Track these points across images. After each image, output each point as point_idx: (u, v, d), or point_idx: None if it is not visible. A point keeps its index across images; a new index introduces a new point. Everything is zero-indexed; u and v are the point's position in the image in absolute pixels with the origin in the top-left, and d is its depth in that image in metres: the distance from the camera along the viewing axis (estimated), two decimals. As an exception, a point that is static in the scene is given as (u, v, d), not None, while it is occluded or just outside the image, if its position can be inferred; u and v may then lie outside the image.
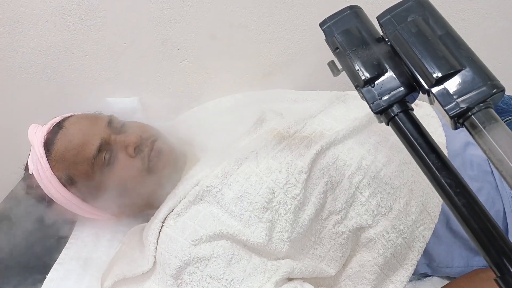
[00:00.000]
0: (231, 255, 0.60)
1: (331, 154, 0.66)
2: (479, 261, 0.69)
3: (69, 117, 0.71)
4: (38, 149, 0.66)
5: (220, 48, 0.94)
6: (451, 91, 0.42)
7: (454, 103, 0.41)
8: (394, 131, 0.46)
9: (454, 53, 0.43)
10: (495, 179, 0.70)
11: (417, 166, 0.64)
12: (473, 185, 0.66)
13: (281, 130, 0.69)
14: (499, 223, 0.68)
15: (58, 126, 0.68)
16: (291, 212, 0.62)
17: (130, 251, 0.66)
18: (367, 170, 0.64)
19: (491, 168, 0.71)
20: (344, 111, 0.74)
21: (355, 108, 0.76)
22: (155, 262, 0.62)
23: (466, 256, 0.69)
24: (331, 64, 0.53)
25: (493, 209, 0.68)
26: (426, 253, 0.67)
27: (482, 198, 0.71)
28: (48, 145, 0.66)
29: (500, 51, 0.97)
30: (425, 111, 0.78)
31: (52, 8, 0.89)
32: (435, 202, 0.66)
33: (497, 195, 0.69)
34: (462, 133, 0.75)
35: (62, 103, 0.98)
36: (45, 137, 0.67)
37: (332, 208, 0.64)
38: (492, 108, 0.40)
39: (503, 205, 0.68)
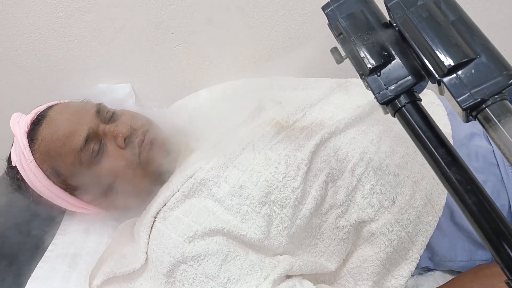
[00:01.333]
0: (227, 252, 0.57)
1: (332, 145, 0.63)
2: (482, 254, 0.68)
3: (54, 105, 0.67)
4: (21, 140, 0.62)
5: (216, 33, 0.90)
6: (464, 81, 0.39)
7: (467, 94, 0.38)
8: (401, 123, 0.43)
9: (468, 40, 0.39)
10: (500, 171, 0.67)
11: (422, 158, 0.61)
12: (478, 177, 0.64)
13: (280, 120, 0.66)
14: (504, 216, 0.66)
15: (43, 115, 0.65)
16: (290, 206, 0.60)
17: (120, 248, 0.64)
18: (369, 162, 0.62)
19: (496, 160, 0.68)
20: (345, 99, 0.71)
21: (357, 95, 0.72)
22: (146, 259, 0.60)
23: (469, 250, 0.67)
24: (334, 51, 0.50)
25: (498, 203, 0.66)
26: (429, 247, 0.65)
27: (487, 190, 0.69)
28: (32, 135, 0.63)
29: (505, 38, 0.94)
30: (429, 99, 0.75)
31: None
32: (440, 194, 0.64)
33: (503, 188, 0.66)
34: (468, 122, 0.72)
35: (49, 90, 0.95)
36: (29, 127, 0.64)
37: (333, 201, 0.62)
38: (507, 100, 0.37)
39: (508, 198, 0.66)
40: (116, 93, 0.93)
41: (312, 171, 0.61)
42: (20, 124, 0.64)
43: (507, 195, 0.66)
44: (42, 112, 0.65)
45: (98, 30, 0.90)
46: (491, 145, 0.69)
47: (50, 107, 0.66)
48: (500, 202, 0.66)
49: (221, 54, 0.93)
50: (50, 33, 0.90)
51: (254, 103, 0.71)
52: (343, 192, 0.61)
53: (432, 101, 0.74)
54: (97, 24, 0.89)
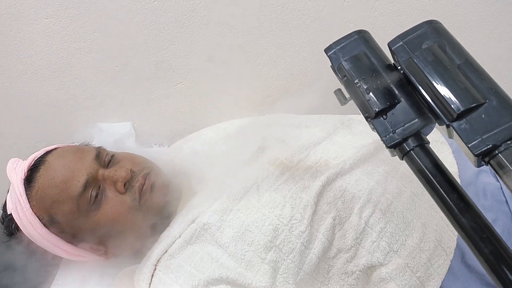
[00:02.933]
0: (231, 301, 0.55)
1: (338, 186, 0.61)
2: (497, 297, 0.65)
3: (52, 150, 0.66)
4: (17, 187, 0.61)
5: (218, 71, 0.91)
6: (474, 127, 0.38)
7: (478, 140, 0.37)
8: (410, 166, 0.42)
9: (476, 84, 0.39)
10: (510, 208, 0.66)
11: (430, 198, 0.59)
12: (487, 216, 0.62)
13: (284, 160, 0.65)
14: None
15: (40, 160, 0.63)
16: (297, 251, 0.57)
17: (120, 297, 0.61)
18: (377, 203, 0.60)
19: (505, 197, 0.66)
20: (349, 138, 0.70)
21: (361, 134, 0.71)
22: (147, 310, 0.57)
23: (483, 292, 0.64)
24: (338, 93, 0.49)
25: (509, 241, 0.64)
26: (441, 291, 0.62)
27: (497, 229, 0.67)
28: (28, 182, 0.61)
29: (505, 71, 0.95)
30: (433, 137, 0.74)
31: (39, 30, 0.85)
32: (450, 236, 0.61)
33: (514, 226, 0.64)
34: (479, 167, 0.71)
35: (49, 131, 0.94)
36: (26, 173, 0.62)
37: (340, 245, 0.59)
38: (521, 145, 0.36)
39: (521, 237, 0.64)
40: (117, 132, 0.92)
41: (318, 213, 0.60)
42: (16, 170, 0.62)
43: (519, 233, 0.64)
44: (39, 157, 0.64)
45: (99, 70, 0.90)
46: (498, 181, 0.68)
47: (48, 152, 0.65)
48: (511, 242, 0.64)
49: (222, 92, 0.93)
50: (51, 73, 0.90)
51: (257, 142, 0.70)
52: (351, 236, 0.59)
53: (437, 139, 0.73)
54: (98, 64, 0.90)
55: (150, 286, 0.57)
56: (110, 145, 0.72)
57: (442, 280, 0.61)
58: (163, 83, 0.93)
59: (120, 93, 0.93)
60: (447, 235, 0.61)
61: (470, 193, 0.66)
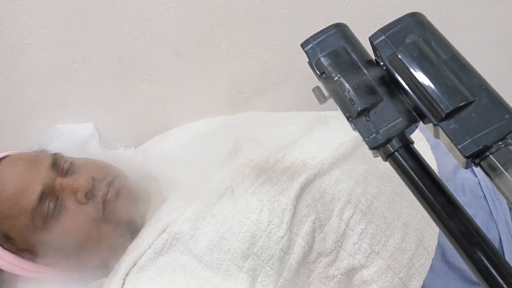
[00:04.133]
0: (208, 315, 0.51)
1: (317, 188, 0.58)
2: (476, 292, 0.65)
3: (2, 158, 0.59)
4: (-37, 202, 0.54)
5: (186, 67, 0.85)
6: (464, 127, 0.36)
7: (468, 141, 0.35)
8: (394, 168, 0.40)
9: (464, 81, 0.37)
10: (488, 204, 0.66)
11: (410, 197, 0.57)
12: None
13: (260, 161, 0.62)
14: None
15: None
16: (276, 258, 0.54)
17: (85, 316, 0.56)
18: (357, 204, 0.58)
19: (483, 193, 0.66)
20: (326, 135, 0.68)
21: (337, 130, 0.69)
22: (116, 329, 0.52)
23: (462, 288, 0.64)
24: (317, 91, 0.46)
25: (489, 236, 0.63)
26: (423, 290, 0.61)
27: (475, 224, 0.68)
28: None
29: (478, 63, 0.95)
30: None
31: (-16, 25, 0.77)
32: (431, 235, 0.60)
33: (492, 221, 0.64)
34: (451, 155, 0.70)
35: (3, 136, 0.86)
36: None
37: (321, 249, 0.57)
38: (512, 145, 0.35)
39: (499, 232, 0.64)
40: (78, 134, 0.86)
41: (297, 217, 0.57)
42: (-38, 182, 0.55)
43: (497, 228, 0.64)
44: (-12, 167, 0.58)
45: (55, 67, 0.83)
46: (476, 177, 0.68)
47: (-2, 160, 0.59)
48: (491, 236, 0.64)
49: (191, 89, 0.88)
50: (1, 72, 0.82)
51: (230, 143, 0.66)
52: (332, 239, 0.57)
53: (414, 135, 0.72)
54: (54, 61, 0.82)
55: (118, 303, 0.52)
56: (71, 149, 0.67)
57: (424, 279, 0.60)
58: (127, 80, 0.87)
59: (80, 92, 0.87)
60: (429, 233, 0.60)
61: (449, 189, 0.66)
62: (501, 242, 0.64)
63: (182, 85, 0.87)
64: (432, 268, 0.60)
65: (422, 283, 0.60)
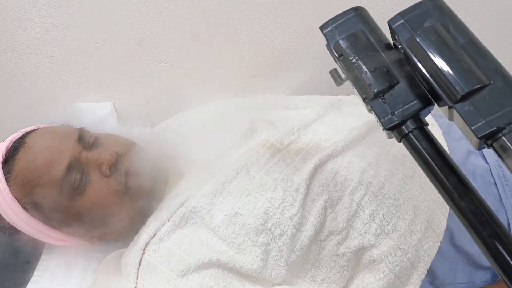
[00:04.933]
0: (223, 285, 0.54)
1: (330, 169, 0.60)
2: (482, 276, 0.66)
3: (32, 131, 0.62)
4: (-5, 170, 0.57)
5: (202, 49, 0.87)
6: (478, 109, 0.37)
7: (482, 122, 0.36)
8: (408, 149, 0.41)
9: (480, 65, 0.38)
10: (498, 191, 0.67)
11: (421, 180, 0.59)
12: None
13: (274, 142, 0.63)
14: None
15: (19, 142, 0.59)
16: (288, 234, 0.57)
17: (107, 283, 0.59)
18: (369, 186, 0.59)
19: (494, 179, 0.67)
20: (340, 120, 0.69)
21: (351, 115, 0.70)
22: (136, 295, 0.55)
23: (469, 272, 0.66)
24: (334, 73, 0.48)
25: (496, 222, 0.65)
26: (430, 271, 0.63)
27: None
28: (7, 165, 0.58)
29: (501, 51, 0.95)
30: (424, 119, 0.74)
31: (11, 4, 0.79)
32: (440, 218, 0.62)
33: (501, 207, 0.66)
34: (463, 141, 0.71)
35: (25, 112, 0.88)
36: (4, 155, 0.59)
37: (332, 227, 0.59)
38: (525, 127, 0.36)
39: (508, 218, 0.65)
40: (97, 112, 0.88)
41: (310, 196, 0.59)
42: (-6, 152, 0.58)
43: (506, 214, 0.65)
44: (18, 139, 0.60)
45: (77, 47, 0.85)
46: (487, 163, 0.69)
47: (27, 134, 0.61)
48: (499, 222, 0.65)
49: (207, 71, 0.89)
50: (25, 50, 0.84)
51: (246, 124, 0.68)
52: (343, 218, 0.59)
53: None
54: (76, 41, 0.85)
55: (138, 270, 0.55)
56: (91, 126, 0.69)
57: (432, 261, 0.62)
58: (145, 62, 0.89)
59: (99, 72, 0.89)
60: (438, 216, 0.62)
61: (459, 174, 0.67)
62: (509, 228, 0.65)
63: (198, 67, 0.89)
64: (440, 250, 0.62)
65: (429, 265, 0.62)
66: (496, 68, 0.37)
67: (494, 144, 0.36)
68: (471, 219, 0.36)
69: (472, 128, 0.37)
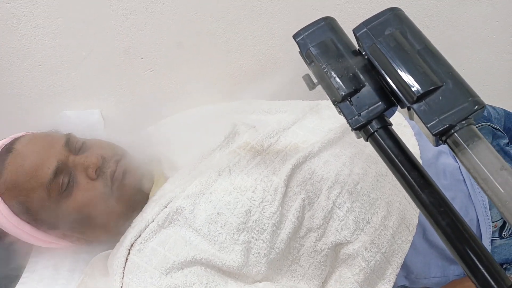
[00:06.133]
0: (206, 282, 0.56)
1: (307, 169, 0.63)
2: (455, 269, 0.70)
3: (20, 137, 0.64)
4: (-15, 175, 0.59)
5: (187, 57, 0.90)
6: (432, 108, 0.40)
7: (436, 120, 0.40)
8: (374, 147, 0.45)
9: (434, 69, 0.42)
10: (467, 187, 0.70)
11: (393, 178, 0.62)
12: (447, 194, 0.66)
13: (255, 144, 0.66)
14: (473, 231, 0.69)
15: (8, 148, 0.62)
16: (268, 232, 0.59)
17: (93, 283, 0.61)
18: (344, 184, 0.63)
19: (463, 177, 0.71)
20: (317, 122, 0.72)
21: (328, 118, 0.74)
22: (122, 294, 0.57)
23: (442, 266, 0.69)
24: (307, 78, 0.51)
25: (466, 218, 0.68)
26: (404, 266, 0.66)
27: (456, 207, 0.72)
28: None
29: (463, 58, 1.00)
30: (397, 121, 0.77)
31: (0, 15, 0.81)
32: (412, 214, 0.65)
33: (470, 203, 0.69)
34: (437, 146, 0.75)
35: (13, 120, 0.90)
36: None
37: (310, 225, 0.62)
38: (474, 125, 0.39)
39: (476, 214, 0.69)
40: (85, 120, 0.90)
41: (289, 195, 0.62)
42: (-17, 158, 0.60)
43: (475, 210, 0.69)
44: (7, 145, 0.62)
45: (65, 56, 0.88)
46: (457, 162, 0.72)
47: (16, 139, 0.63)
48: (469, 218, 0.69)
49: (191, 78, 0.92)
50: (14, 60, 0.87)
51: (228, 127, 0.71)
52: (320, 215, 0.62)
53: (400, 122, 0.76)
54: (63, 50, 0.87)
55: (124, 270, 0.57)
56: (78, 133, 0.71)
57: (405, 255, 0.65)
58: (132, 70, 0.92)
59: (87, 80, 0.91)
60: (410, 212, 0.65)
61: (431, 173, 0.69)
62: (478, 223, 0.69)
63: (183, 75, 0.92)
64: (413, 245, 0.65)
65: (403, 259, 0.65)
66: (448, 71, 0.41)
67: (448, 140, 0.40)
68: (431, 209, 0.39)
69: (428, 126, 0.40)
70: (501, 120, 0.84)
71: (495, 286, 0.34)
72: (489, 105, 0.85)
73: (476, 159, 0.37)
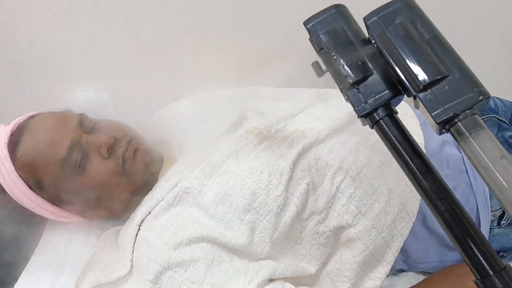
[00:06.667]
0: (212, 258, 0.58)
1: (313, 155, 0.65)
2: (453, 256, 0.72)
3: (35, 115, 0.66)
4: (1, 151, 0.61)
5: (197, 42, 0.91)
6: (438, 97, 0.41)
7: (441, 109, 0.41)
8: (379, 134, 0.46)
9: (442, 58, 0.42)
10: (469, 177, 0.72)
11: (397, 166, 0.64)
12: (449, 184, 0.68)
13: (262, 130, 0.68)
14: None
15: (23, 125, 0.64)
16: (273, 213, 0.61)
17: (105, 256, 0.63)
18: (348, 171, 0.64)
19: (465, 167, 0.72)
20: (325, 111, 0.74)
21: (336, 107, 0.75)
22: (132, 267, 0.60)
23: (440, 252, 0.71)
24: (315, 65, 0.52)
25: (467, 207, 0.70)
26: (403, 250, 0.68)
27: (457, 196, 0.73)
28: (12, 146, 0.62)
29: (474, 50, 1.00)
30: (403, 111, 0.79)
31: (14, -4, 0.82)
32: (413, 201, 0.67)
33: (471, 193, 0.71)
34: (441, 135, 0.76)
35: (26, 99, 0.92)
36: (9, 137, 0.63)
37: (313, 208, 0.64)
38: (477, 114, 0.40)
39: (476, 203, 0.70)
40: (95, 102, 0.92)
41: (294, 179, 0.64)
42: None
43: (475, 199, 0.70)
44: (22, 122, 0.64)
45: (76, 38, 0.89)
46: (460, 152, 0.74)
47: (31, 117, 0.65)
48: (469, 206, 0.70)
49: (201, 63, 0.93)
50: (25, 40, 0.88)
51: (237, 113, 0.73)
52: (323, 200, 0.64)
53: (406, 112, 0.78)
54: (76, 32, 0.88)
55: (134, 244, 0.60)
56: (89, 114, 0.73)
57: (405, 240, 0.67)
58: (141, 54, 0.93)
59: (97, 63, 0.92)
60: (411, 200, 0.67)
61: (435, 162, 0.71)
62: (478, 212, 0.70)
63: (192, 60, 0.93)
64: (413, 231, 0.67)
65: (402, 244, 0.67)
66: (455, 62, 0.42)
67: (451, 129, 0.41)
68: (431, 195, 0.40)
69: (432, 114, 0.41)
70: (507, 113, 0.85)
71: (488, 268, 0.36)
72: (497, 98, 0.86)
73: (478, 148, 0.38)
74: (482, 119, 0.41)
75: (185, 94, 0.89)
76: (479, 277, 0.35)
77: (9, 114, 0.68)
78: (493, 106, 0.84)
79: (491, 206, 0.71)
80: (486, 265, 0.36)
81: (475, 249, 0.37)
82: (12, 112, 0.69)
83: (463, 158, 0.73)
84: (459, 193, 0.70)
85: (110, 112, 0.93)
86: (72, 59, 0.92)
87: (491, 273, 0.35)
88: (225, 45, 0.93)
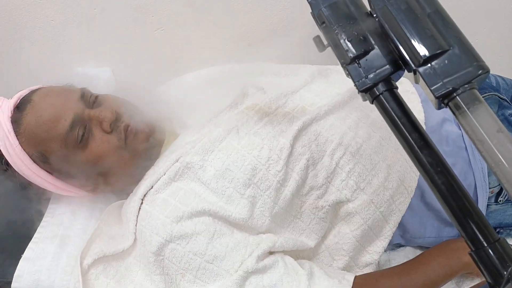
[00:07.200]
0: (213, 231, 0.60)
1: (313, 130, 0.65)
2: (449, 231, 0.73)
3: (37, 89, 0.67)
4: (5, 125, 0.62)
5: (198, 17, 0.90)
6: (437, 71, 0.41)
7: (440, 83, 0.41)
8: (379, 109, 0.46)
9: (442, 33, 0.42)
10: (468, 154, 0.72)
11: (396, 142, 0.65)
12: (448, 160, 0.68)
13: (263, 106, 0.68)
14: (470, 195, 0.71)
15: (26, 99, 0.64)
16: (273, 188, 0.62)
17: (108, 229, 0.65)
18: (347, 147, 0.65)
19: (465, 144, 0.73)
20: (325, 86, 0.74)
21: (337, 83, 0.75)
22: (135, 239, 0.62)
23: (437, 227, 0.72)
24: (317, 39, 0.52)
25: (465, 183, 0.70)
26: (401, 225, 0.70)
27: (455, 172, 0.74)
28: (16, 120, 0.62)
29: (478, 28, 0.99)
30: (405, 87, 0.78)
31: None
32: (412, 177, 0.68)
33: (469, 169, 0.71)
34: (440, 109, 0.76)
35: (27, 74, 0.92)
36: (12, 111, 0.63)
37: (313, 183, 0.65)
38: (476, 89, 0.40)
39: (475, 179, 0.71)
40: (96, 77, 0.92)
41: (294, 155, 0.64)
42: (2, 108, 0.63)
43: (473, 176, 0.71)
44: (25, 96, 0.65)
45: (76, 13, 0.88)
46: (460, 130, 0.74)
47: (33, 91, 0.66)
48: (467, 183, 0.71)
49: (202, 38, 0.93)
50: (25, 14, 0.87)
51: (238, 89, 0.73)
52: (323, 175, 0.64)
53: (408, 89, 0.77)
54: (75, 6, 0.87)
55: (137, 217, 0.61)
56: (91, 89, 0.73)
57: (403, 215, 0.68)
58: (142, 29, 0.92)
59: (98, 38, 0.92)
60: (410, 175, 0.68)
61: (434, 139, 0.71)
62: (475, 188, 0.71)
63: (194, 34, 0.92)
64: (411, 206, 0.68)
65: (400, 219, 0.68)
66: (456, 36, 0.42)
67: (450, 103, 0.41)
68: (428, 168, 0.41)
69: (431, 88, 0.41)
70: (509, 91, 0.84)
71: (483, 240, 0.37)
72: (499, 76, 0.86)
73: (475, 121, 0.38)
74: (483, 96, 0.41)
75: (186, 69, 0.89)
76: (473, 249, 0.36)
77: (11, 88, 0.69)
78: (494, 84, 0.83)
79: (489, 183, 0.72)
80: (481, 237, 0.37)
81: (470, 221, 0.38)
82: (14, 87, 0.69)
83: (462, 135, 0.73)
84: (458, 169, 0.71)
85: (111, 87, 0.93)
86: (72, 34, 0.91)
87: (485, 244, 0.35)
88: (226, 21, 0.92)
